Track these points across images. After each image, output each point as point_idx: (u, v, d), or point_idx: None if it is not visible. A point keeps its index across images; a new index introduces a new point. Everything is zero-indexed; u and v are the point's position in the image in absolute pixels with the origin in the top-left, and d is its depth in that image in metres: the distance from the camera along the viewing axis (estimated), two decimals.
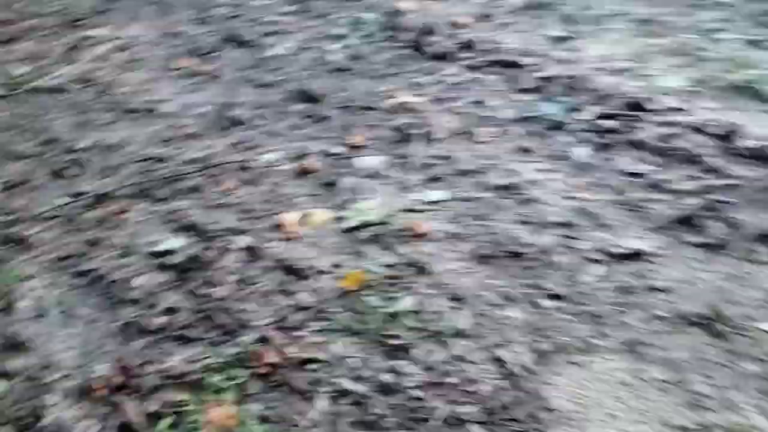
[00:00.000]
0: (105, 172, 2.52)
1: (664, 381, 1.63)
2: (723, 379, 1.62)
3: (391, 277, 1.97)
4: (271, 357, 1.75)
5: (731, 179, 2.21)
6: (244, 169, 2.49)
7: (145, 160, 2.57)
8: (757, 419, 1.53)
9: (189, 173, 2.46)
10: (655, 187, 2.25)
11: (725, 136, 2.39)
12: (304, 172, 2.45)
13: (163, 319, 1.89)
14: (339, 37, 3.41)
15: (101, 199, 2.37)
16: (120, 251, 2.13)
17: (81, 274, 2.06)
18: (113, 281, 2.02)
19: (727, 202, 2.12)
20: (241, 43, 3.43)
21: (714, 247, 1.99)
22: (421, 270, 1.99)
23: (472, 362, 1.71)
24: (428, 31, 3.31)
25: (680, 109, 2.59)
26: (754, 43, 3.06)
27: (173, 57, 3.34)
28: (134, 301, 1.95)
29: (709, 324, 1.75)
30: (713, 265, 1.94)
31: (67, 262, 2.10)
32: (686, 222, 2.09)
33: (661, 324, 1.78)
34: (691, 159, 2.33)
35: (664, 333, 1.75)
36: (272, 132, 2.71)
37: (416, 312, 1.86)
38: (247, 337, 1.81)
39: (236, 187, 2.40)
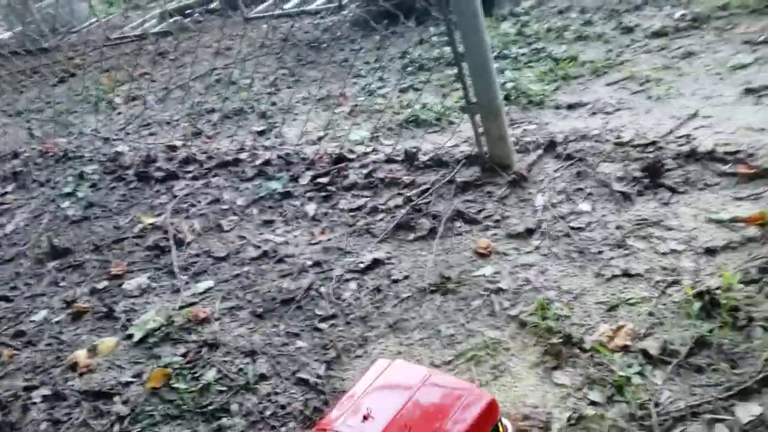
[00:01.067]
0: None
1: (423, 338, 2.09)
2: (463, 319, 2.12)
3: (190, 362, 2.22)
4: None
5: (422, 186, 2.83)
6: (18, 335, 2.57)
7: None
8: (489, 332, 2.03)
9: None
10: (374, 210, 2.78)
11: (409, 158, 3.03)
12: (78, 315, 2.60)
13: None
14: (69, 194, 3.58)
15: None
16: None
17: None
18: None
19: (425, 202, 2.72)
20: None
21: (426, 237, 2.54)
22: (213, 346, 2.26)
23: (280, 393, 2.03)
24: (149, 160, 3.64)
25: (373, 151, 3.21)
26: (405, 90, 3.88)
27: None
28: None
29: (441, 287, 2.27)
30: (430, 248, 2.48)
31: None
32: (403, 227, 2.63)
33: (409, 301, 2.25)
34: (392, 182, 2.92)
35: (414, 306, 2.23)
36: (35, 294, 2.80)
37: (221, 378, 2.12)
38: None
39: (17, 353, 2.46)
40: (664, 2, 3.95)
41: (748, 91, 2.88)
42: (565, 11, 4.36)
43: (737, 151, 2.46)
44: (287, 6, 6.30)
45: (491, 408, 1.43)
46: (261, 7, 6.41)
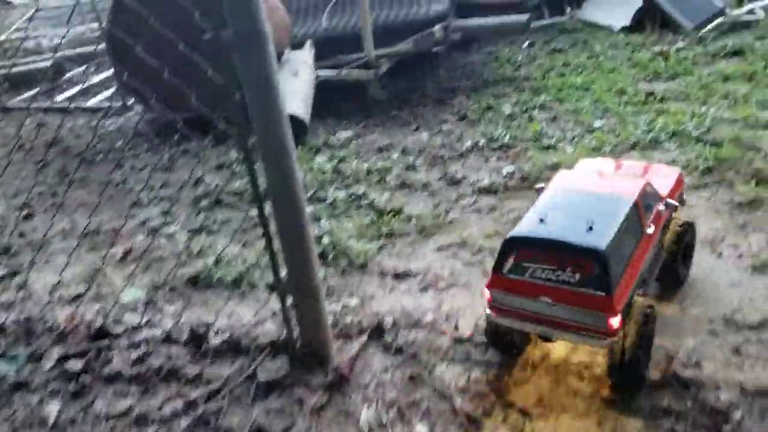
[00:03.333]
0: None
1: None
2: None
3: None
4: None
5: (212, 384, 2.16)
6: None
7: None
8: None
9: None
10: (143, 419, 2.06)
11: (195, 339, 2.36)
12: None
13: None
14: None
15: None
16: None
17: None
18: None
19: (216, 410, 2.06)
20: None
21: None
22: None
23: None
24: None
25: (147, 323, 2.49)
26: (197, 231, 3.19)
27: None
28: None
29: None
30: None
31: None
32: None
33: None
34: (170, 374, 2.22)
35: None
36: None
37: None
38: None
39: None
40: (490, 153, 3.71)
41: None
42: (385, 149, 3.97)
43: None
44: (59, 98, 5.34)
45: (682, 177, 2.58)
46: (26, 95, 5.39)
